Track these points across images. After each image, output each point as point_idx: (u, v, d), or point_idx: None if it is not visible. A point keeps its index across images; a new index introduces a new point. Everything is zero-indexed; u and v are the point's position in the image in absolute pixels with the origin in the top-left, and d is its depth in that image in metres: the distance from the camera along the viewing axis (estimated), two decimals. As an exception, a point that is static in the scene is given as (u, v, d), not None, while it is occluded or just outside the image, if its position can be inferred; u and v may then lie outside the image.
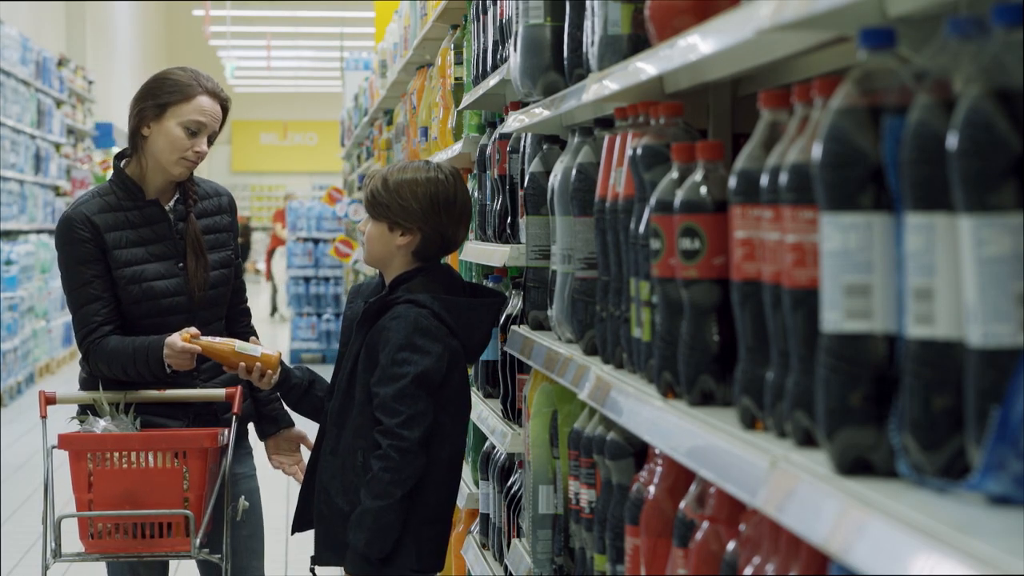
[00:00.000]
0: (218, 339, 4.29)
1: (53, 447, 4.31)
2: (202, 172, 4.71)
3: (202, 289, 4.41)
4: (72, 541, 4.33)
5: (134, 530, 4.25)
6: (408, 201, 4.01)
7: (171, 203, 4.46)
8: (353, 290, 4.28)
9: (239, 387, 4.40)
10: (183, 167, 4.39)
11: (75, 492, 4.28)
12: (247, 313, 4.64)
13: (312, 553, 4.06)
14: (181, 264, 4.40)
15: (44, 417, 4.39)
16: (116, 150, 22.87)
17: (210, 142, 4.45)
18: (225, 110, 4.49)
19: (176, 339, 4.25)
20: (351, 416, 3.97)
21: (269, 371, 4.22)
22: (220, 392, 4.41)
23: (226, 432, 4.35)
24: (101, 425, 4.32)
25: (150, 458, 4.24)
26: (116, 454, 4.24)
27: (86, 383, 4.46)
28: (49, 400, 4.43)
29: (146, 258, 4.38)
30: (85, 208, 4.39)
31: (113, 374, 4.35)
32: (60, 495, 4.56)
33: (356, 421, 3.95)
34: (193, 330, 4.27)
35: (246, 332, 4.55)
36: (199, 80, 4.43)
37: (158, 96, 4.40)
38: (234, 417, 4.36)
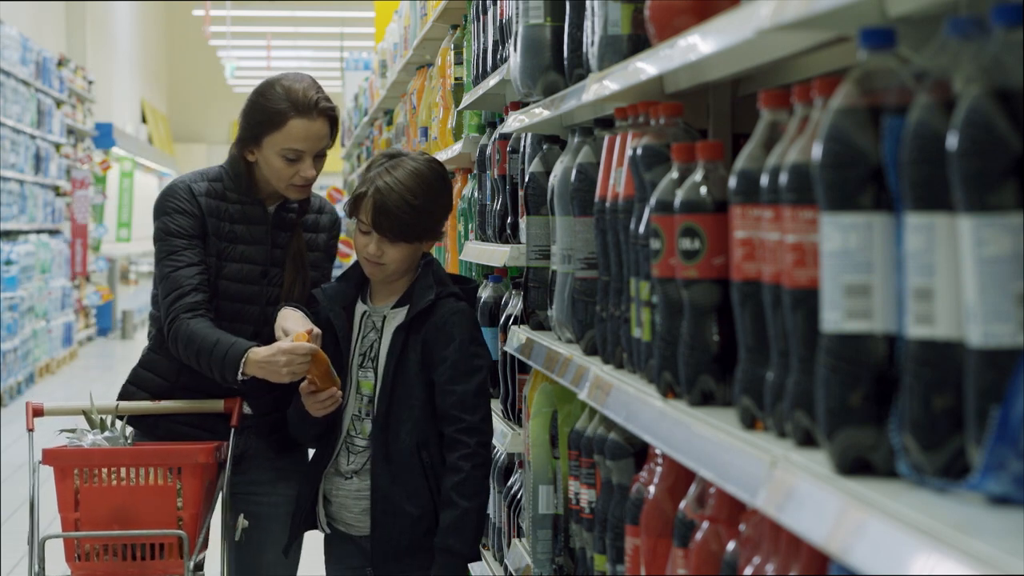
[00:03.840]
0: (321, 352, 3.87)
1: (40, 462, 4.03)
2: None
3: (286, 303, 4.06)
4: (58, 562, 4.08)
5: (124, 551, 3.96)
6: (439, 219, 3.94)
7: (272, 208, 4.16)
8: (323, 297, 4.00)
9: (239, 399, 4.10)
10: (294, 192, 4.09)
11: (60, 511, 3.97)
12: None
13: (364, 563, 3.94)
14: (265, 273, 4.10)
15: (31, 430, 4.12)
16: (116, 150, 22.96)
17: (322, 156, 4.08)
18: (332, 120, 4.09)
19: (297, 344, 3.83)
20: (403, 419, 3.87)
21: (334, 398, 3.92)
22: (219, 403, 4.11)
23: (224, 446, 4.07)
24: (89, 439, 4.05)
25: (141, 474, 3.95)
26: (104, 470, 3.95)
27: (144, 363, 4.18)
28: (36, 412, 4.15)
29: (233, 256, 4.08)
30: (193, 185, 4.10)
31: (187, 359, 3.98)
32: (46, 511, 4.25)
33: (419, 424, 3.86)
34: (317, 330, 3.90)
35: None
36: (292, 100, 4.03)
37: (253, 126, 4.07)
38: (232, 430, 4.08)
